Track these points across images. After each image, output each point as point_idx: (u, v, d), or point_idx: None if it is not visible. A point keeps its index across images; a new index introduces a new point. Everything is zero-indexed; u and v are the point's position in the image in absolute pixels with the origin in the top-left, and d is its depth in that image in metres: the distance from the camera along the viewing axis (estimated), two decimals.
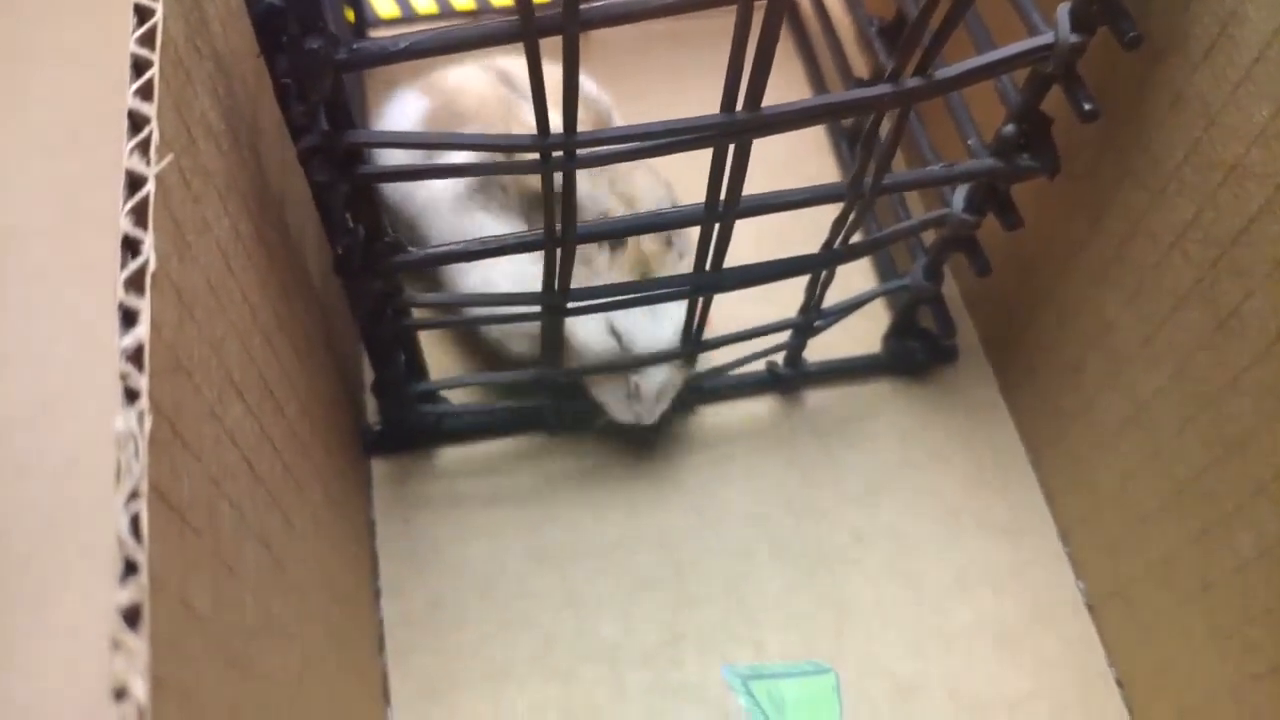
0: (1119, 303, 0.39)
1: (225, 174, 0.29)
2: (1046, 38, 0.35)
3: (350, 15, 0.57)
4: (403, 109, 0.47)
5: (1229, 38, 0.32)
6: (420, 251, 0.37)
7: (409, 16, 0.58)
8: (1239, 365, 0.34)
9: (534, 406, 0.47)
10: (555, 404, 0.46)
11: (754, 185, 0.36)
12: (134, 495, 0.20)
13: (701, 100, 0.36)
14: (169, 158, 0.23)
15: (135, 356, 0.21)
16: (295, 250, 0.38)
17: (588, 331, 0.42)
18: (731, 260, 0.39)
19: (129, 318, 0.21)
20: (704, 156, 0.34)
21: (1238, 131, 0.33)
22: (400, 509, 0.45)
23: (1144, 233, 0.38)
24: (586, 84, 0.48)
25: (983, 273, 0.43)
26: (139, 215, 0.22)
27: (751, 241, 0.42)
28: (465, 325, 0.43)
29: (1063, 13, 0.34)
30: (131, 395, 0.21)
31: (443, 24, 0.58)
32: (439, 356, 0.48)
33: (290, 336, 0.35)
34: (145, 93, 0.24)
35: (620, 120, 0.48)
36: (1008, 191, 0.40)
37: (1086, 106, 0.36)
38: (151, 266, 0.22)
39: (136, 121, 0.24)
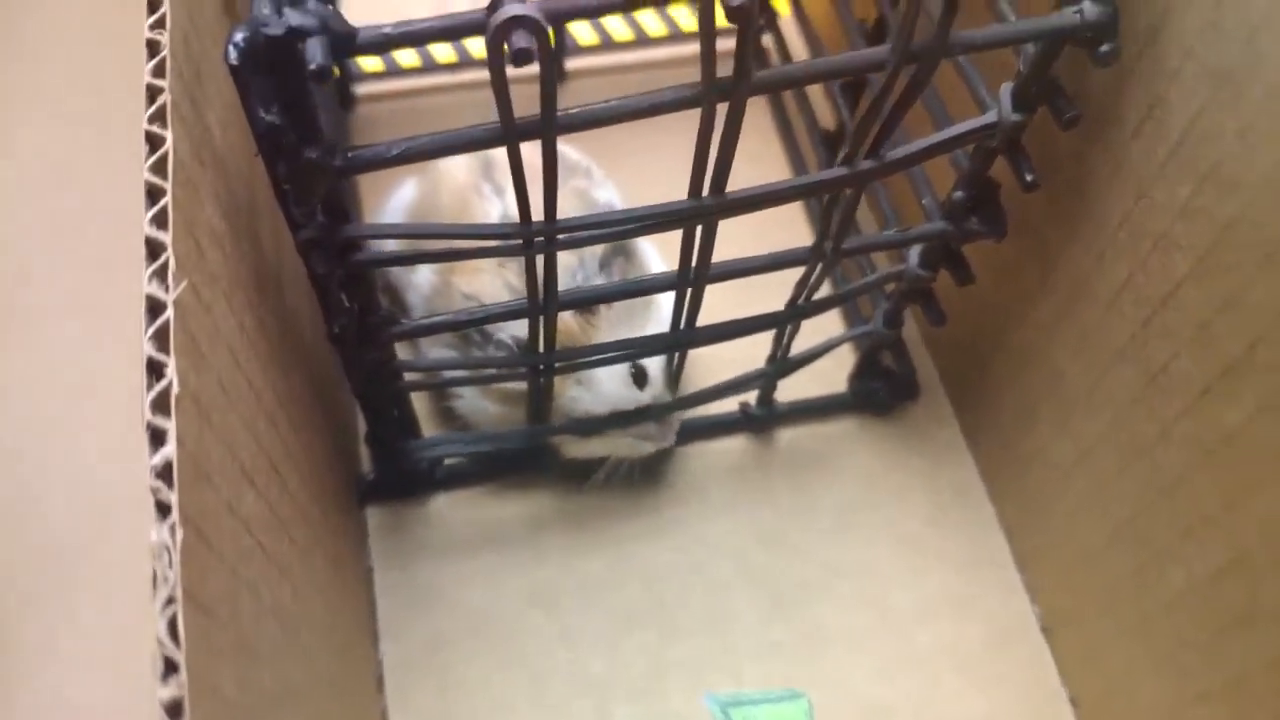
0: (1067, 354, 0.42)
1: (229, 274, 0.32)
2: (990, 117, 0.37)
3: (336, 70, 0.59)
4: (400, 196, 0.51)
5: (1155, 120, 0.35)
6: (412, 322, 0.40)
7: (393, 70, 0.60)
8: (1168, 418, 0.37)
9: (522, 451, 0.50)
10: (542, 448, 0.49)
11: (725, 235, 0.38)
12: (170, 601, 0.22)
13: (674, 165, 0.38)
14: (184, 283, 0.26)
15: (164, 473, 0.23)
16: (291, 318, 0.41)
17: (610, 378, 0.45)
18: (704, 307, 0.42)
19: (157, 437, 0.24)
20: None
21: (1164, 205, 0.35)
22: (396, 555, 0.48)
23: (1086, 290, 0.40)
24: (568, 153, 0.50)
25: (937, 323, 0.46)
26: (160, 340, 0.25)
27: (722, 290, 0.44)
28: (455, 385, 0.46)
29: (1005, 93, 0.37)
30: (163, 509, 0.23)
31: (425, 78, 0.61)
32: (424, 404, 0.51)
33: (289, 411, 0.37)
34: (160, 221, 0.26)
35: (602, 178, 0.51)
36: (960, 250, 0.43)
37: (1028, 178, 0.38)
38: (175, 390, 0.24)
39: (154, 249, 0.26)
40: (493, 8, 0.28)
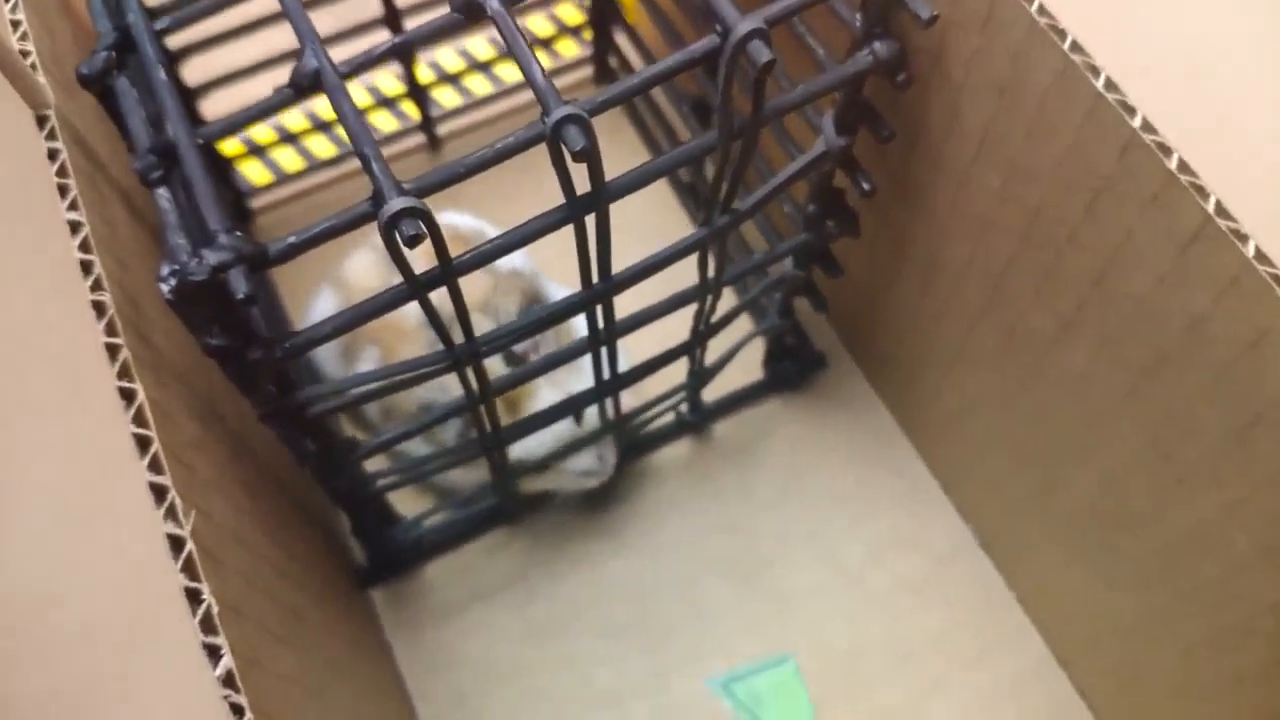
0: (931, 319, 0.48)
1: (215, 469, 0.36)
2: (820, 146, 0.43)
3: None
4: (319, 307, 0.54)
5: (959, 127, 0.41)
6: (371, 442, 0.45)
7: (281, 179, 0.64)
8: (1031, 364, 0.43)
9: (493, 505, 0.55)
10: (508, 499, 0.54)
11: (619, 243, 0.39)
12: None
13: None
14: (192, 514, 0.31)
15: (229, 681, 0.29)
16: (266, 463, 0.45)
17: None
18: None
19: (213, 651, 0.29)
20: None
21: (982, 193, 0.41)
22: (405, 625, 0.53)
23: (939, 265, 0.46)
24: (461, 224, 0.55)
25: (820, 309, 0.52)
26: (189, 570, 0.30)
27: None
28: (423, 479, 0.51)
29: (827, 121, 0.42)
30: (237, 710, 0.28)
31: (312, 177, 0.64)
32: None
33: (292, 552, 0.42)
34: (155, 467, 0.31)
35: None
36: (827, 249, 0.49)
37: (865, 186, 0.44)
38: (215, 609, 0.29)
39: (159, 493, 0.31)
40: (377, 203, 0.32)
